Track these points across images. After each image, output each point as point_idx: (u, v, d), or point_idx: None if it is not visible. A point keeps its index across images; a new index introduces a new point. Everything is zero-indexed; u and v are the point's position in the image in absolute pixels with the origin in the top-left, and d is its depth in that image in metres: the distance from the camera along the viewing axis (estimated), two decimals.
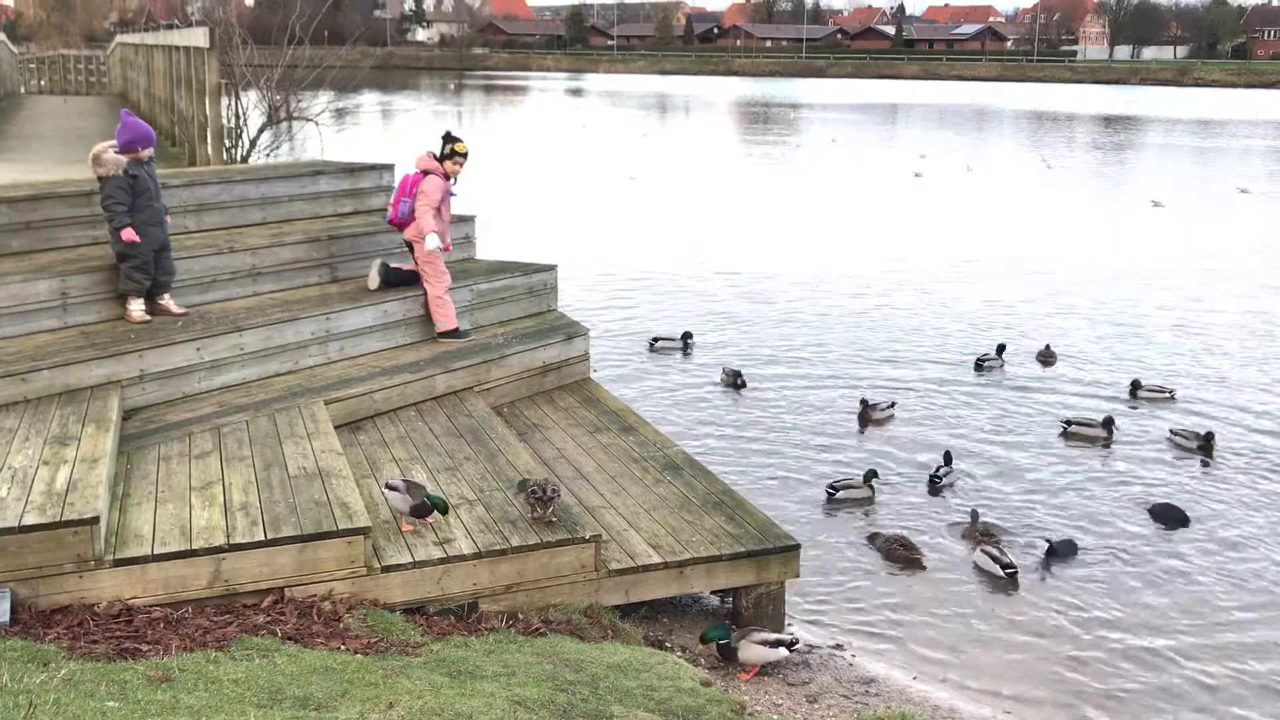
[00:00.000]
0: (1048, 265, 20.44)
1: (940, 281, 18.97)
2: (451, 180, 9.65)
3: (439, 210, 9.59)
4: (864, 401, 11.97)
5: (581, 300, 16.43)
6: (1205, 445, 10.90)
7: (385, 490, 6.85)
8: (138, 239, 8.44)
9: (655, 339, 14.66)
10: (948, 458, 10.48)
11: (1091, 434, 11.21)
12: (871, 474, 9.94)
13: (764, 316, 16.36)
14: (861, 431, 11.55)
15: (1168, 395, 12.66)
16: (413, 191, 9.53)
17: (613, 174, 33.86)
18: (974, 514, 9.33)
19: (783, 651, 6.76)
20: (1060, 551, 8.67)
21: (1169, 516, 9.44)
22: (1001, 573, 8.37)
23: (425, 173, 9.52)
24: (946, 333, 15.61)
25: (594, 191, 30.10)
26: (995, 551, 8.54)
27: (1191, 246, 22.73)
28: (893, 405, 12.04)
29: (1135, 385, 12.82)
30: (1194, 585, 8.36)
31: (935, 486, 10.05)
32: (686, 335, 14.61)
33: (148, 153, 8.67)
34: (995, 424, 11.80)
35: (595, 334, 11.88)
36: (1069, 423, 11.44)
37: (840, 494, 9.72)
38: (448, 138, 9.56)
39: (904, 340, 15.16)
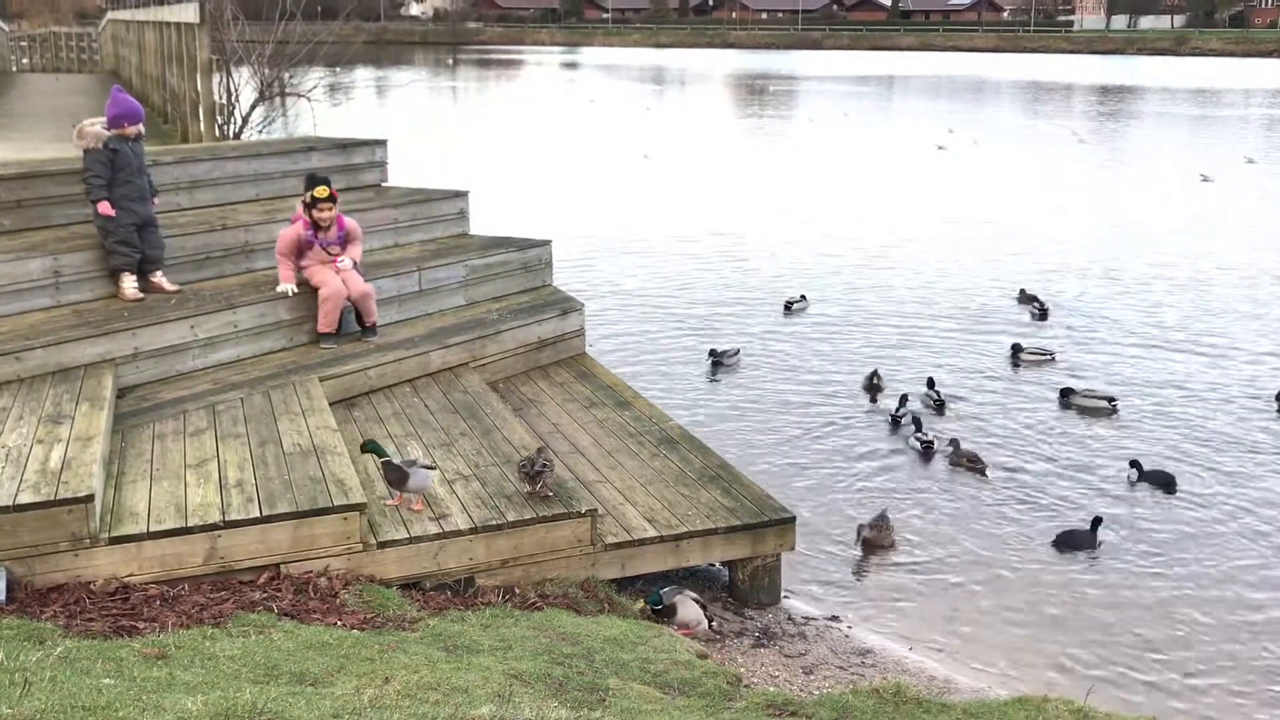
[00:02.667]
0: (1135, 248, 19.49)
1: (984, 259, 18.74)
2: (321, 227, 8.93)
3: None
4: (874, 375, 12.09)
5: (587, 275, 16.47)
6: None
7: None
8: (112, 213, 8.44)
9: (789, 301, 15.35)
10: (931, 382, 11.57)
11: None
12: (930, 381, 11.59)
13: (768, 290, 16.32)
14: (873, 401, 11.64)
15: (1048, 357, 12.89)
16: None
17: (625, 151, 33.26)
18: (954, 442, 10.10)
19: (704, 615, 6.71)
20: (1070, 542, 8.51)
21: (1159, 481, 9.50)
22: (920, 448, 10.05)
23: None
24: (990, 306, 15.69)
25: (608, 169, 29.60)
26: (921, 433, 10.22)
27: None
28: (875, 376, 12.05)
29: (1016, 349, 13.00)
30: (1189, 553, 8.38)
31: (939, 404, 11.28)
32: (800, 297, 15.58)
33: (134, 130, 8.63)
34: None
35: (591, 309, 11.85)
36: None
37: (903, 414, 10.81)
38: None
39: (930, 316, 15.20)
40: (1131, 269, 17.81)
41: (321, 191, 8.77)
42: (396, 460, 6.69)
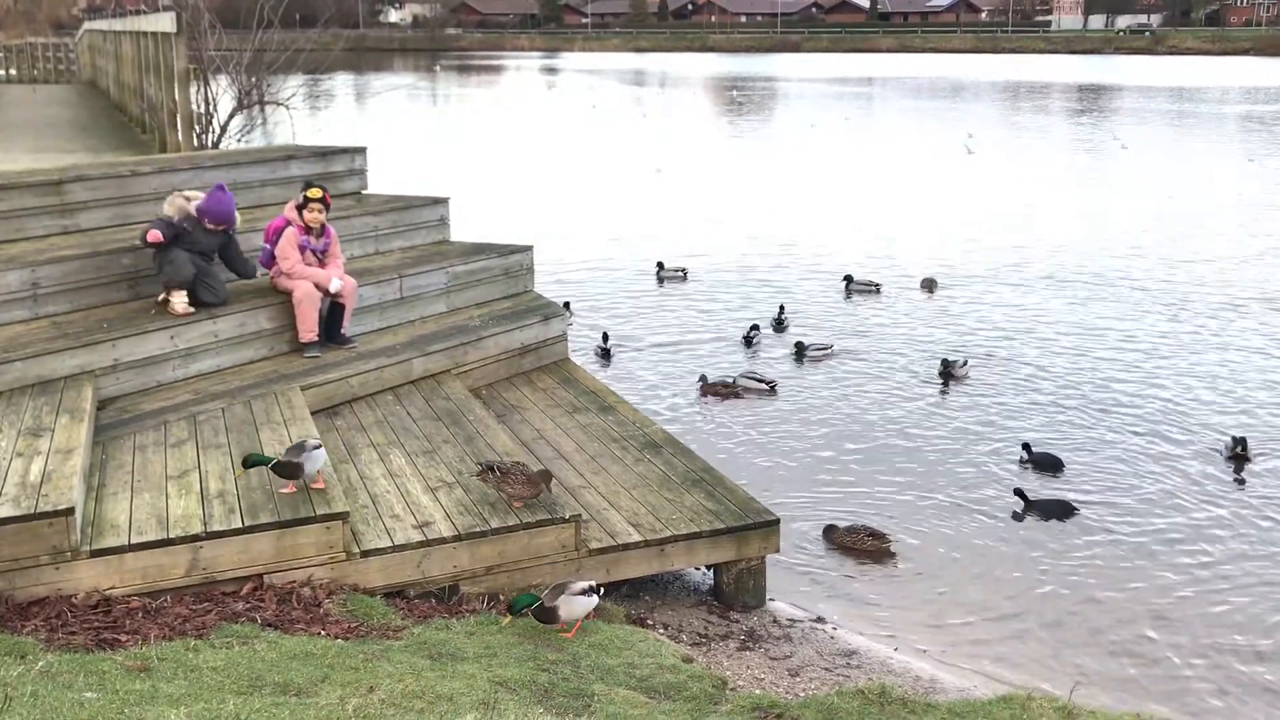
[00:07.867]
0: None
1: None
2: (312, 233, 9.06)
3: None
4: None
5: (572, 280, 16.48)
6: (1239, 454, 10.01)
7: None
8: (162, 239, 8.40)
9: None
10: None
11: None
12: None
13: (761, 294, 16.36)
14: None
15: (828, 350, 13.29)
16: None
17: (635, 162, 32.11)
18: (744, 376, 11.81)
19: (594, 599, 6.27)
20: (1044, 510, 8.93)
21: (1048, 463, 9.86)
22: (768, 389, 11.56)
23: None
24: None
25: (618, 182, 28.66)
26: (756, 374, 11.73)
27: None
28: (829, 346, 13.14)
29: (799, 347, 13.27)
30: (1170, 551, 8.43)
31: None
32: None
33: (213, 226, 8.68)
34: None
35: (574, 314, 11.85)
36: None
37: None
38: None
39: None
40: None
41: (314, 193, 8.89)
42: (283, 456, 6.48)
